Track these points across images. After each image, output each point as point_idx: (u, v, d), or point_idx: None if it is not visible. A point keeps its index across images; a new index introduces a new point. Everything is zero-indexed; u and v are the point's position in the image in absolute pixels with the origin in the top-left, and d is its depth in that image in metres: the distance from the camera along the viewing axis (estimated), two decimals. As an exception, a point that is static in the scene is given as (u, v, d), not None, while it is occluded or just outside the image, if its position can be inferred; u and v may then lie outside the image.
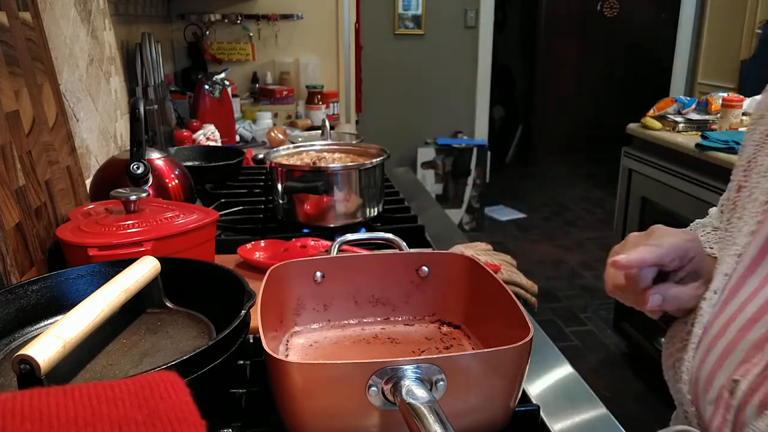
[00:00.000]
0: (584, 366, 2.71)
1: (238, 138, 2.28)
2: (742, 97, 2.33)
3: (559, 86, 5.82)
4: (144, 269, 0.70)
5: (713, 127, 2.35)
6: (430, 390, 0.56)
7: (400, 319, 0.83)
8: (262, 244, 1.12)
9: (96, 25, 1.48)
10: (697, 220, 0.79)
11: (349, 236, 0.87)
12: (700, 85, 4.04)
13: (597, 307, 3.24)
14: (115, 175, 1.13)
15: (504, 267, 1.14)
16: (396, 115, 4.39)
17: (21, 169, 0.88)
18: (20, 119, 0.91)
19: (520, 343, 0.59)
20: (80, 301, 0.61)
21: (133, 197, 0.91)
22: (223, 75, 2.19)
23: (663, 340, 0.67)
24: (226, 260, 1.00)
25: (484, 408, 0.61)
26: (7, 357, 0.65)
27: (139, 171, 1.11)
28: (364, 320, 0.82)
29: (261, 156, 1.65)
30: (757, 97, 2.37)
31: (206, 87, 2.16)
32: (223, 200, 1.43)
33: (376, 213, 1.30)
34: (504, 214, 4.71)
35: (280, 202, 1.28)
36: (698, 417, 0.60)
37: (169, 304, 0.75)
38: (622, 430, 0.71)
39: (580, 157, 5.97)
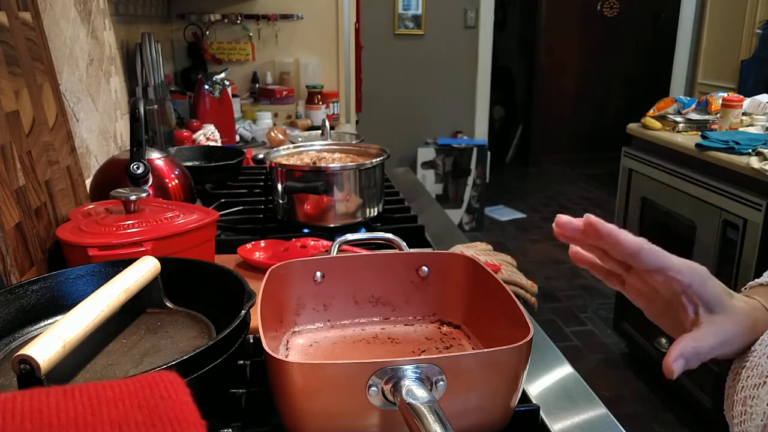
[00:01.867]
0: (584, 366, 2.71)
1: (238, 138, 2.28)
2: (742, 97, 2.33)
3: (559, 86, 5.82)
4: (144, 269, 0.70)
5: (713, 127, 2.35)
6: (430, 390, 0.56)
7: (400, 319, 0.83)
8: (262, 244, 1.12)
9: (96, 25, 1.48)
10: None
11: (349, 236, 0.87)
12: (700, 85, 4.04)
13: (597, 307, 3.24)
14: (115, 175, 1.13)
15: (504, 267, 1.14)
16: (396, 115, 4.39)
17: (21, 169, 0.88)
18: (20, 119, 0.91)
19: (520, 343, 0.59)
20: (80, 301, 0.61)
21: (133, 197, 0.91)
22: (223, 75, 2.19)
23: (730, 369, 0.56)
24: (226, 260, 1.00)
25: (484, 408, 0.61)
26: (7, 357, 0.65)
27: (139, 171, 1.11)
28: (364, 320, 0.82)
29: (261, 156, 1.65)
30: (757, 97, 2.38)
31: (206, 87, 2.16)
32: (223, 200, 1.43)
33: (376, 213, 1.30)
34: (504, 214, 4.71)
35: (280, 202, 1.28)
36: None
37: (169, 304, 0.75)
38: (622, 430, 0.71)
39: (580, 157, 5.97)
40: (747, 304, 0.58)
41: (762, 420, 0.51)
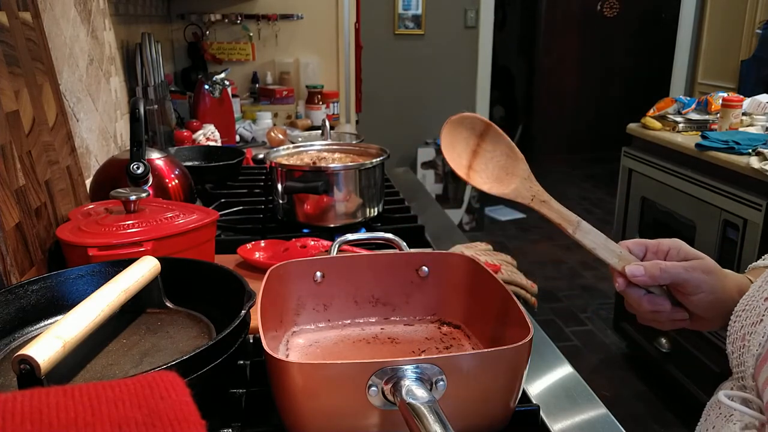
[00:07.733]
0: (584, 366, 2.71)
1: (238, 138, 2.28)
2: (742, 97, 2.33)
3: (559, 86, 5.82)
4: (144, 269, 0.70)
5: (713, 127, 2.35)
6: (430, 390, 0.56)
7: (400, 319, 0.83)
8: (262, 244, 1.12)
9: (96, 25, 1.48)
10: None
11: (349, 236, 0.87)
12: (700, 85, 4.04)
13: (597, 307, 3.24)
14: (115, 175, 1.13)
15: (504, 267, 1.14)
16: (396, 115, 4.39)
17: (21, 169, 0.88)
18: (20, 119, 0.91)
19: (520, 343, 0.59)
20: (80, 301, 0.61)
21: (133, 197, 0.91)
22: (223, 75, 2.19)
23: (734, 312, 0.65)
24: (226, 260, 1.00)
25: (484, 408, 0.61)
26: (7, 357, 0.65)
27: (139, 171, 1.11)
28: (364, 320, 0.82)
29: (261, 156, 1.66)
30: (757, 97, 2.38)
31: (206, 87, 2.16)
32: (223, 200, 1.43)
33: (376, 213, 1.30)
34: (504, 214, 4.71)
35: (280, 202, 1.28)
36: (756, 390, 0.60)
37: (169, 304, 0.75)
38: (622, 430, 0.71)
39: (580, 157, 5.97)
40: (734, 274, 0.70)
41: (758, 350, 0.60)
